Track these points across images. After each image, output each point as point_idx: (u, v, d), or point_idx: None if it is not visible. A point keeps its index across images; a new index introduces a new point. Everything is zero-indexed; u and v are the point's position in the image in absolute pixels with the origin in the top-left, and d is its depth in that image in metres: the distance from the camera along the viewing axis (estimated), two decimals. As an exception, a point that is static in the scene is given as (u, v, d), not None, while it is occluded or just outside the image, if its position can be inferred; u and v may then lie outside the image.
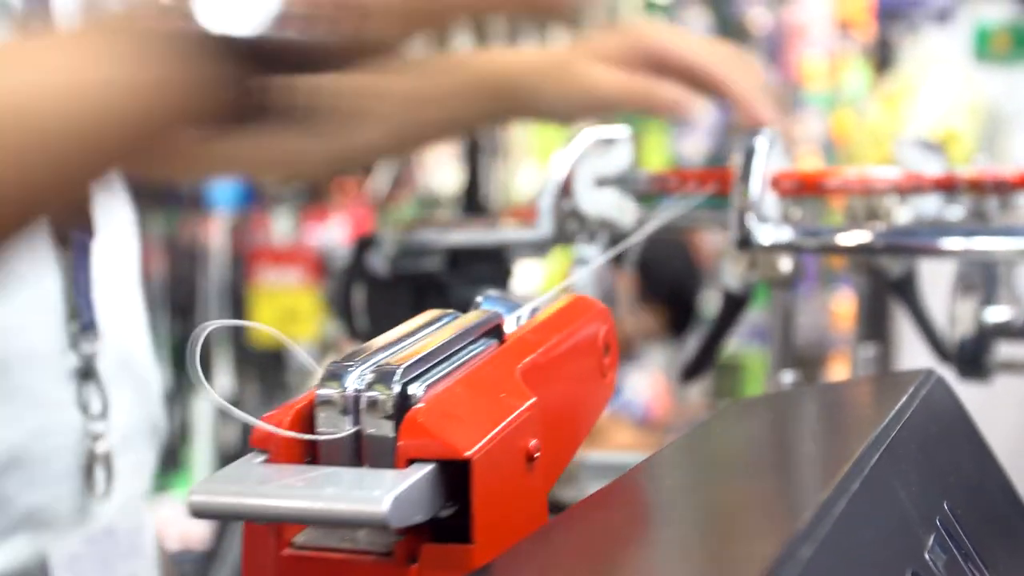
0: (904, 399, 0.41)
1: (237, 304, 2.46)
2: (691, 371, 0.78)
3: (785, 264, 0.66)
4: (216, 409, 2.37)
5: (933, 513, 0.37)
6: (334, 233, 2.65)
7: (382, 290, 0.77)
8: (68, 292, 0.67)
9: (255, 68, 0.54)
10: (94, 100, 0.53)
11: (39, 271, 0.66)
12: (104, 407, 0.67)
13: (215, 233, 2.67)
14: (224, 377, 2.46)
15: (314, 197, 2.67)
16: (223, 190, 2.57)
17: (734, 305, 0.71)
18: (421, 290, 0.75)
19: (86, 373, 0.67)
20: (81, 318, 0.67)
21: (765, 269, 0.66)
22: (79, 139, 0.53)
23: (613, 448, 1.58)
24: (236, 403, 2.50)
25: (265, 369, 2.49)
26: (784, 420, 0.46)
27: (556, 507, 0.71)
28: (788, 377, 0.72)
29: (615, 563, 0.31)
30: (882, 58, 3.02)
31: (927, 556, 0.35)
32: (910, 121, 2.66)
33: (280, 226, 2.71)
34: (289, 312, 2.39)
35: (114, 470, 0.69)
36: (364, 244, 0.77)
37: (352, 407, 0.35)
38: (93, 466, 0.68)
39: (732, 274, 0.68)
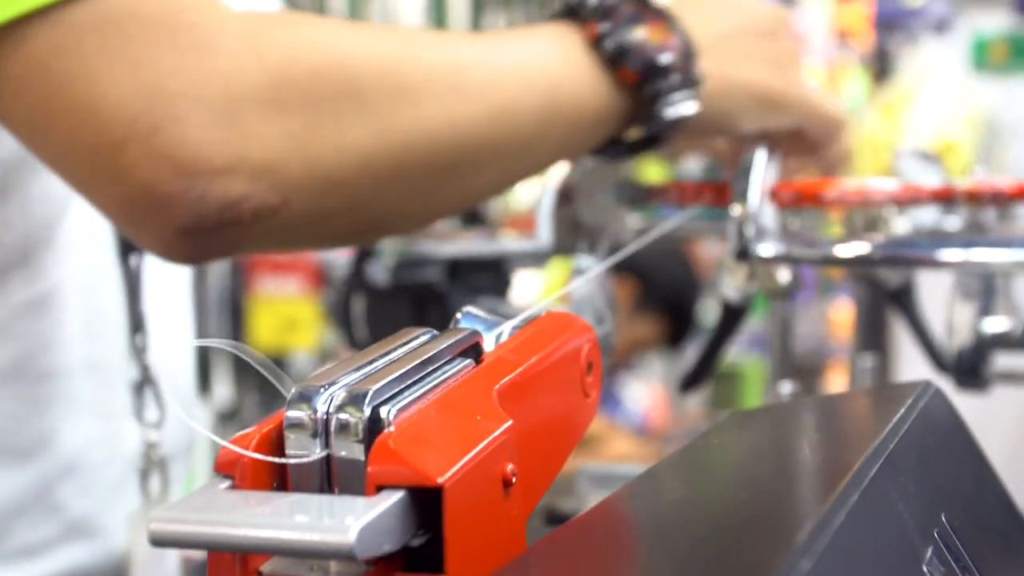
0: (902, 411, 0.41)
1: (236, 313, 2.46)
2: (690, 381, 0.78)
3: (784, 275, 0.66)
4: (215, 419, 2.37)
5: (931, 525, 0.37)
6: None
7: (382, 300, 0.77)
8: (130, 302, 0.67)
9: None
10: (553, 91, 0.58)
11: (98, 280, 0.66)
12: (161, 416, 0.68)
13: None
14: (223, 387, 2.46)
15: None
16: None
17: (733, 315, 0.71)
18: (420, 300, 0.76)
19: (144, 383, 0.67)
20: (142, 329, 0.67)
21: (764, 280, 0.66)
22: (531, 114, 0.57)
23: (611, 458, 1.57)
24: (235, 413, 2.49)
25: (265, 379, 2.48)
26: (783, 432, 0.46)
27: (553, 518, 0.71)
28: (787, 387, 0.73)
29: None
30: (880, 68, 3.02)
31: (925, 568, 0.35)
32: (908, 131, 2.67)
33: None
34: (288, 321, 2.38)
35: (169, 478, 0.69)
36: (364, 254, 0.78)
37: (322, 430, 0.33)
38: (149, 473, 0.68)
39: (731, 285, 0.68)
